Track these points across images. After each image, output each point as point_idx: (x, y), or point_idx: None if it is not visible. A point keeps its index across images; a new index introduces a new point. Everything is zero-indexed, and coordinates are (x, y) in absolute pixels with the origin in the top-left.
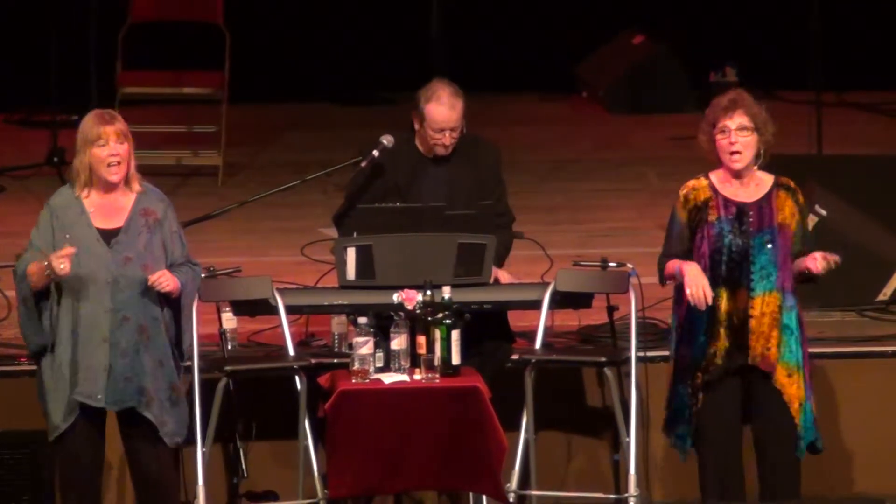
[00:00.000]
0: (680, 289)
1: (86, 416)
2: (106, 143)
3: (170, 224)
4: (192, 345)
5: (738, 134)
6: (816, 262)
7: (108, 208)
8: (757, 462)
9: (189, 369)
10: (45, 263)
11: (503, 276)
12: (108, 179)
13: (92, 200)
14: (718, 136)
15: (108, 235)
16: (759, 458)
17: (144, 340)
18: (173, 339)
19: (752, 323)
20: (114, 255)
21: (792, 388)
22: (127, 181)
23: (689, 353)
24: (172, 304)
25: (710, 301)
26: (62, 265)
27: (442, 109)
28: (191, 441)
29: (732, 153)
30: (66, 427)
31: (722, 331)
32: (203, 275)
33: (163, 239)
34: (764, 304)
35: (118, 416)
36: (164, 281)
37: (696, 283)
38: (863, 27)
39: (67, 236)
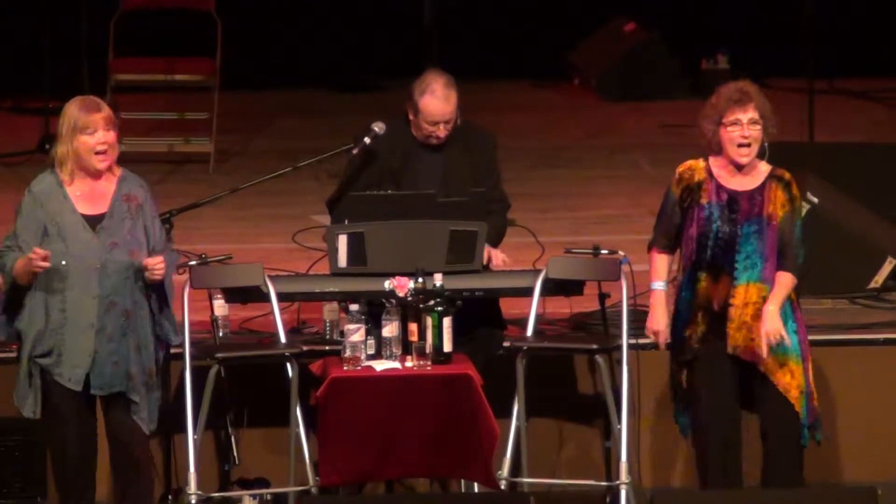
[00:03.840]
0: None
1: (75, 400)
2: (95, 130)
3: (150, 209)
4: (180, 323)
5: (749, 128)
6: (762, 343)
7: (90, 194)
8: (763, 451)
9: (180, 356)
10: (27, 261)
11: (496, 255)
12: (97, 167)
13: (75, 187)
14: (730, 129)
15: (93, 221)
16: (763, 448)
17: (129, 325)
18: (158, 324)
19: (732, 311)
20: (100, 241)
21: (785, 377)
22: (109, 166)
23: (675, 332)
24: (156, 289)
25: (661, 346)
26: (41, 264)
27: (436, 103)
28: (178, 428)
29: (741, 146)
30: (49, 412)
31: (700, 315)
32: (193, 262)
33: (144, 224)
34: (747, 293)
35: (102, 402)
36: (160, 269)
37: (652, 327)
38: (854, 14)
39: (56, 222)
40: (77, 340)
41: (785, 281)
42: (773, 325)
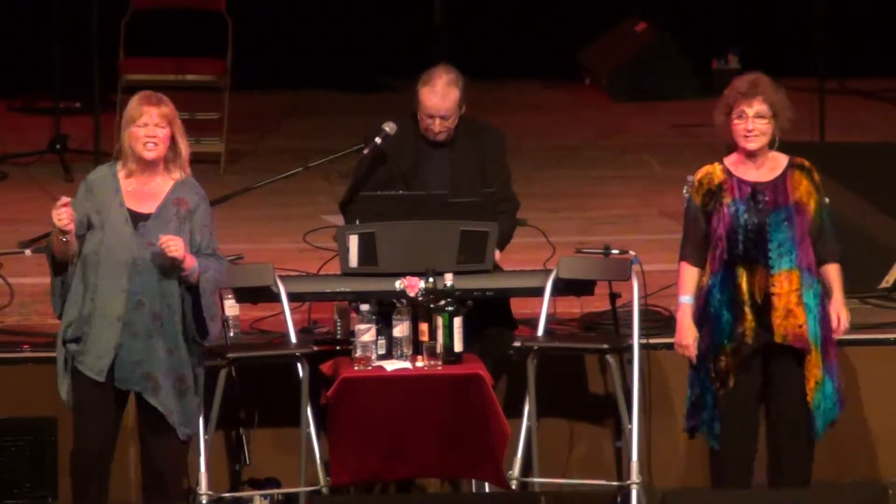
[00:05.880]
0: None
1: (98, 392)
2: (146, 124)
3: (201, 217)
4: (219, 329)
5: (755, 121)
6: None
7: (143, 192)
8: (767, 443)
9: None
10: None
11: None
12: (143, 156)
13: (129, 181)
14: (735, 120)
15: (138, 219)
16: (769, 439)
17: (157, 327)
18: (192, 329)
19: (775, 300)
20: (137, 238)
21: (809, 365)
22: (167, 167)
23: (712, 337)
24: (193, 292)
25: (692, 359)
26: (60, 217)
27: (433, 96)
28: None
29: (747, 136)
30: (74, 401)
31: (747, 310)
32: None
33: (191, 230)
34: (788, 281)
35: (136, 400)
36: (174, 245)
37: (681, 342)
38: (865, 13)
39: (100, 212)
40: (103, 332)
41: (836, 272)
42: (843, 311)
